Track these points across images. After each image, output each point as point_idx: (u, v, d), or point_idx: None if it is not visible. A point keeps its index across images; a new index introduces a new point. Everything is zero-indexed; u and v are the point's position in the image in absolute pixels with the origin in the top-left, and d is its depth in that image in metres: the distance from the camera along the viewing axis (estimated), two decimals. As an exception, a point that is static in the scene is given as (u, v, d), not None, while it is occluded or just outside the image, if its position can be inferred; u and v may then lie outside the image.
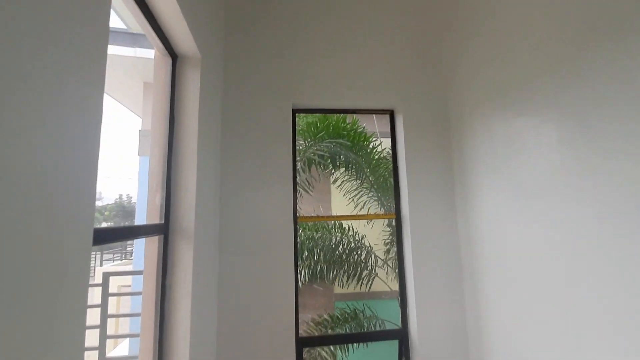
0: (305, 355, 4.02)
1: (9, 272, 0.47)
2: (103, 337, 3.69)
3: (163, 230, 1.39)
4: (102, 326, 3.68)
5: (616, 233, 1.23)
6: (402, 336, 2.25)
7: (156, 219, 1.40)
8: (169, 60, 1.55)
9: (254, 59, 2.30)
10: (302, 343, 2.11)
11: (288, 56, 2.35)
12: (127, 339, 4.94)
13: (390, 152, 2.59)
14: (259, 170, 2.19)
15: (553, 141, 1.52)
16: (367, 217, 2.54)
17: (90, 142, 0.69)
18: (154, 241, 1.40)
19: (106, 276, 3.84)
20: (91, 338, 3.76)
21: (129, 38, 4.03)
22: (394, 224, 2.68)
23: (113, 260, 10.54)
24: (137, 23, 1.33)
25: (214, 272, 1.92)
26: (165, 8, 1.25)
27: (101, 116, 0.76)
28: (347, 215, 2.57)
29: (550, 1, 1.55)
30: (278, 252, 2.11)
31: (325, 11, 2.46)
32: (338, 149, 4.70)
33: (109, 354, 3.83)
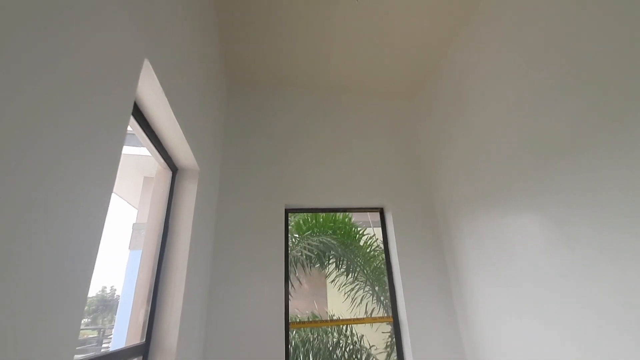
0: None
1: None
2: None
3: (143, 351, 1.29)
4: None
5: (611, 335, 1.18)
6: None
7: (137, 339, 1.31)
8: (169, 174, 1.67)
9: (249, 166, 2.48)
10: None
11: (281, 162, 2.53)
12: None
13: (383, 246, 2.59)
14: (251, 270, 2.15)
15: (539, 245, 1.56)
16: (364, 321, 2.41)
17: (89, 251, 0.71)
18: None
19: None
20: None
21: (132, 138, 4.37)
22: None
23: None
24: (141, 141, 1.46)
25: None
26: (171, 135, 1.40)
27: (103, 227, 0.78)
28: (343, 320, 2.44)
29: (517, 114, 1.77)
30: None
31: (317, 119, 2.75)
32: (327, 245, 4.68)
33: None
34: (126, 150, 4.77)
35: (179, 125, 1.33)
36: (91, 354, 0.95)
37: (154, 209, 1.59)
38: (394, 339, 2.28)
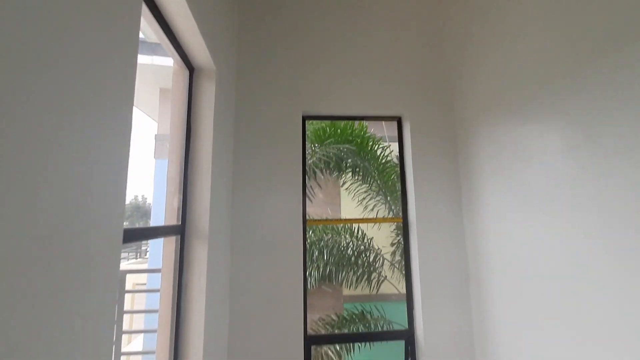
0: (312, 353, 4.07)
1: (48, 267, 0.56)
2: (119, 332, 3.85)
3: (180, 231, 1.49)
4: (118, 322, 3.84)
5: (620, 239, 1.26)
6: (408, 337, 2.30)
7: (173, 221, 1.50)
8: (187, 73, 1.66)
9: (266, 69, 2.41)
10: (310, 341, 2.19)
11: (299, 66, 2.44)
12: (142, 335, 5.10)
13: (398, 156, 2.65)
14: (270, 175, 2.28)
15: (558, 149, 1.56)
16: (375, 220, 2.61)
17: (121, 148, 0.79)
18: (172, 241, 1.51)
19: (122, 274, 4.02)
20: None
21: (147, 47, 4.22)
22: (401, 226, 2.72)
23: (128, 259, 10.84)
24: (155, 36, 1.43)
25: (227, 272, 2.02)
26: (183, 25, 1.35)
27: (131, 124, 0.85)
28: (355, 219, 2.64)
29: (552, 13, 1.59)
30: (287, 253, 2.19)
31: (336, 23, 2.55)
32: (344, 155, 4.78)
33: (123, 349, 3.98)
34: (140, 59, 4.66)
35: (192, 16, 1.28)
36: (139, 226, 1.10)
37: (175, 109, 1.64)
38: (402, 238, 2.50)
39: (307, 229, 3.01)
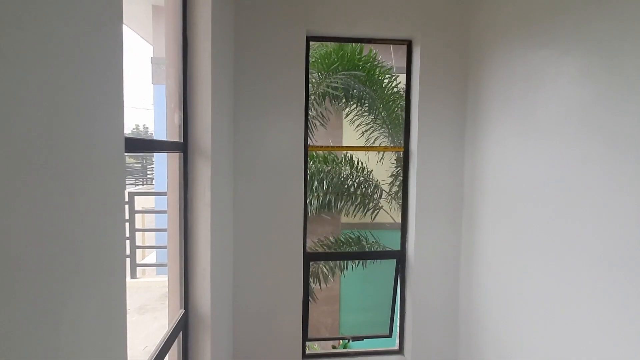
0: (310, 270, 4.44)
1: (55, 169, 0.57)
2: (133, 247, 4.17)
3: (182, 148, 1.51)
4: (132, 238, 4.14)
5: (620, 166, 1.26)
6: (400, 256, 2.48)
7: (175, 138, 1.51)
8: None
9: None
10: (309, 257, 2.37)
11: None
12: (154, 252, 5.53)
13: (405, 88, 2.55)
14: (272, 98, 2.22)
15: (573, 75, 1.49)
16: (376, 149, 2.63)
17: (113, 48, 0.75)
18: (175, 158, 1.54)
19: (131, 195, 4.20)
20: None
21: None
22: (401, 156, 2.74)
23: (135, 185, 11.24)
24: None
25: (230, 191, 2.10)
26: None
27: (121, 23, 0.80)
28: (356, 147, 2.65)
29: None
30: (289, 178, 2.25)
31: None
32: (352, 82, 4.58)
33: (139, 262, 4.36)
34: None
35: None
36: (142, 138, 1.10)
37: (169, 26, 1.52)
38: (402, 168, 2.54)
39: (308, 160, 3.03)
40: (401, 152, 2.52)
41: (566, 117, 1.52)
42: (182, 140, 1.52)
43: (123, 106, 0.82)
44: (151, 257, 5.79)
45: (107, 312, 0.73)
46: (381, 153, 5.10)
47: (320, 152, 5.06)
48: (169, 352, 1.53)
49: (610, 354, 1.27)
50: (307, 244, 2.38)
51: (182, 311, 1.51)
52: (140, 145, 1.08)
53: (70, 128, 0.60)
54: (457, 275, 2.41)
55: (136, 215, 4.27)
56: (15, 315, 0.46)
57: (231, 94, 2.11)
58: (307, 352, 2.45)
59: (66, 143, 0.59)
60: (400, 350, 2.50)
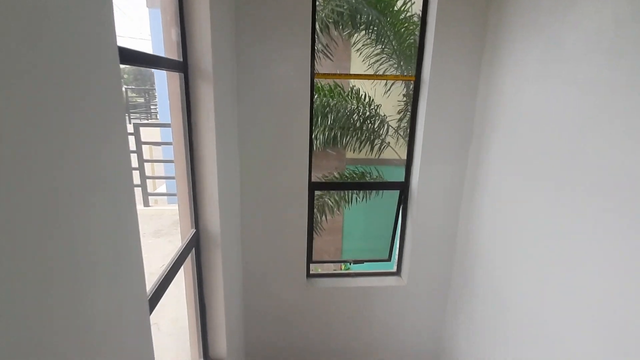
0: (314, 203, 4.60)
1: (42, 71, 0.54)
2: (143, 177, 4.28)
3: (182, 68, 1.44)
4: (141, 169, 4.23)
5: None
6: (403, 188, 2.52)
7: (174, 56, 1.43)
8: None
9: None
10: (314, 187, 2.42)
11: None
12: (164, 183, 5.71)
13: (420, 14, 2.31)
14: (276, 22, 2.05)
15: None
16: (386, 77, 2.49)
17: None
18: (175, 80, 1.47)
19: (136, 126, 4.18)
20: (134, 177, 4.37)
21: None
22: (411, 90, 2.62)
23: (140, 119, 11.21)
24: None
25: (234, 119, 2.06)
26: None
27: None
28: (364, 75, 2.52)
29: None
30: (295, 105, 2.18)
31: None
32: (360, 6, 4.18)
33: (150, 191, 4.53)
34: None
35: None
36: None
37: None
38: (411, 102, 2.44)
39: (314, 94, 2.89)
40: (411, 86, 2.40)
41: (595, 37, 1.39)
42: (182, 60, 1.44)
43: (112, 10, 0.75)
44: (162, 188, 6.00)
45: (122, 232, 0.75)
46: (389, 86, 4.89)
47: (327, 85, 4.86)
48: (185, 267, 1.67)
49: (607, 286, 1.33)
50: (312, 180, 2.41)
51: (193, 230, 1.59)
52: (137, 57, 1.02)
53: (54, 30, 0.55)
54: (458, 208, 2.47)
55: (144, 148, 4.30)
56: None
57: (232, 16, 1.94)
58: (311, 272, 2.65)
59: (52, 47, 0.54)
60: (397, 272, 2.69)
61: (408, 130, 2.51)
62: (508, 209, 1.94)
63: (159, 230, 3.57)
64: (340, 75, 3.99)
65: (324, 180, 4.53)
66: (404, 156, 2.54)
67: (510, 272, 1.89)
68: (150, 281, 1.18)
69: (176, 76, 1.48)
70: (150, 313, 1.03)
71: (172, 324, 2.28)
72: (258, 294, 2.51)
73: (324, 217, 4.79)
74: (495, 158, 2.07)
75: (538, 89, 1.72)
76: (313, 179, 2.44)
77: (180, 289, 1.76)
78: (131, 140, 4.26)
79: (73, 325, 0.56)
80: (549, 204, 1.61)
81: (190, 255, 1.60)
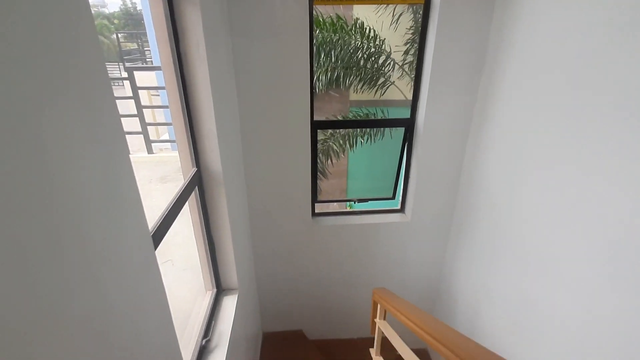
0: (319, 146, 4.55)
1: None
2: (144, 124, 4.21)
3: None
4: (140, 115, 4.14)
5: None
6: (409, 125, 2.44)
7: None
8: None
9: None
10: (316, 125, 2.35)
11: None
12: (167, 131, 5.64)
13: None
14: None
15: None
16: (393, 0, 2.25)
17: None
18: (159, 4, 1.34)
19: (130, 71, 4.00)
20: (134, 124, 4.31)
21: None
22: (419, 18, 2.38)
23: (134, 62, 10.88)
24: None
25: (228, 51, 1.93)
26: None
27: None
28: (368, -1, 2.26)
29: None
30: (294, 36, 2.02)
31: None
32: None
33: (152, 138, 4.49)
34: None
35: None
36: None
37: None
38: (420, 26, 2.23)
39: (315, 27, 2.65)
40: (420, 13, 2.17)
41: None
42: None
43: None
44: (166, 136, 5.96)
45: (115, 170, 0.71)
46: (396, 16, 4.51)
47: (328, 19, 4.49)
48: (191, 207, 1.69)
49: (617, 221, 1.31)
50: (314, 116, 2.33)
51: (194, 169, 1.58)
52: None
53: None
54: (464, 143, 2.40)
55: (146, 98, 4.16)
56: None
57: None
58: (316, 211, 2.70)
59: None
60: (401, 209, 2.73)
61: (415, 64, 2.35)
62: (517, 144, 1.87)
63: (165, 177, 3.61)
64: (343, 1, 3.67)
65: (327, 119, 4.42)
66: (409, 96, 2.42)
67: (515, 206, 1.89)
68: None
69: (159, 1, 1.34)
70: (156, 248, 1.05)
71: (185, 260, 2.40)
72: (265, 232, 2.59)
73: (329, 160, 4.78)
74: (507, 90, 1.95)
75: (559, 13, 1.55)
76: (315, 118, 2.36)
77: (190, 228, 1.81)
78: (127, 85, 4.12)
79: (79, 256, 0.55)
80: (561, 139, 1.54)
81: (193, 193, 1.61)
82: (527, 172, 1.79)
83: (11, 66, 0.44)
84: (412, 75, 2.39)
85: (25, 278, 0.44)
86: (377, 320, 1.85)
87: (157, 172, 3.74)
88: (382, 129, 4.32)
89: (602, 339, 1.35)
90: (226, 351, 1.57)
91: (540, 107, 1.69)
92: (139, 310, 0.75)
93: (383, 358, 1.89)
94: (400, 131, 2.50)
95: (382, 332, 1.87)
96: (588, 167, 1.40)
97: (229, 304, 1.86)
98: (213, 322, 1.72)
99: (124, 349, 0.68)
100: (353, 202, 2.78)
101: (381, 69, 4.84)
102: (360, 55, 4.74)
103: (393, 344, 1.51)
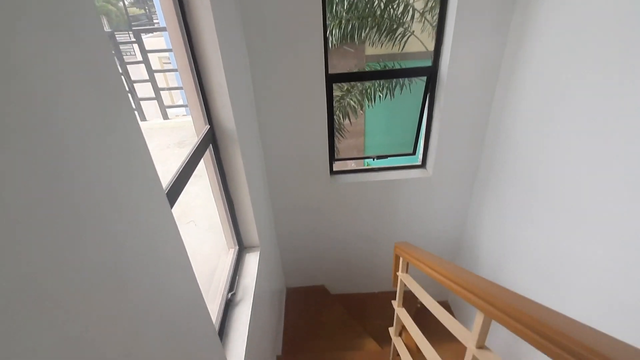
0: (335, 105, 4.40)
1: None
2: (157, 89, 4.18)
3: None
4: (152, 80, 4.09)
5: None
6: (431, 73, 2.27)
7: None
8: None
9: None
10: (332, 79, 2.23)
11: None
12: (181, 96, 5.60)
13: None
14: None
15: None
16: None
17: None
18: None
19: (137, 34, 3.89)
20: (146, 90, 4.28)
21: None
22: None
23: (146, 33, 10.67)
24: None
25: (236, 4, 1.80)
26: None
27: None
28: None
29: None
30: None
31: None
32: None
33: (167, 103, 4.47)
34: None
35: None
36: None
37: None
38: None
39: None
40: None
41: None
42: None
43: None
44: (180, 102, 5.93)
45: (123, 130, 0.66)
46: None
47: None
48: (207, 166, 1.67)
49: None
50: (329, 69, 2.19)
51: (207, 127, 1.53)
52: None
53: None
54: (492, 91, 2.22)
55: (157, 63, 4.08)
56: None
57: None
58: (334, 170, 2.65)
59: None
60: (422, 165, 2.64)
61: (438, 5, 2.12)
62: (553, 90, 1.70)
63: (182, 141, 3.61)
64: None
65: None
66: (431, 47, 2.21)
67: (547, 158, 1.76)
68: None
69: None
70: (172, 205, 1.04)
71: (207, 220, 2.46)
72: (283, 191, 2.59)
73: (346, 119, 4.63)
74: (542, 28, 1.74)
75: None
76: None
77: (209, 189, 1.81)
78: (137, 50, 4.03)
79: (91, 212, 0.53)
80: (606, 83, 1.37)
81: (208, 152, 1.58)
82: (563, 122, 1.63)
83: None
84: (434, 24, 2.17)
85: (35, 236, 0.41)
86: (399, 273, 1.85)
87: (174, 138, 3.75)
88: (401, 82, 4.07)
89: (636, 291, 1.28)
90: (251, 304, 1.62)
91: (581, 47, 1.50)
92: (158, 265, 0.75)
93: (405, 309, 1.91)
94: (420, 85, 2.34)
95: (405, 285, 1.88)
96: (634, 118, 1.25)
97: (252, 260, 1.90)
98: (237, 277, 1.77)
99: (145, 301, 0.68)
100: (372, 160, 2.70)
101: (400, 18, 4.48)
102: (376, 3, 4.39)
103: (417, 295, 1.51)
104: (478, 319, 0.95)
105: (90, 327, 0.50)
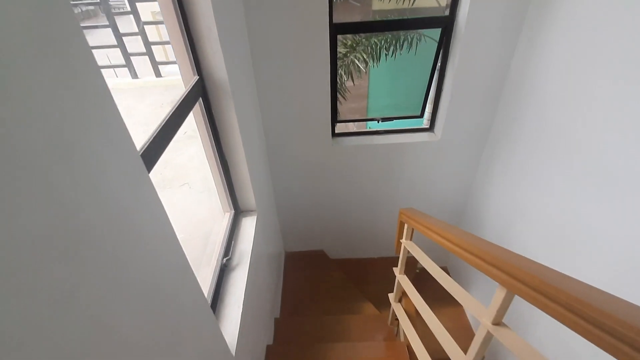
0: (338, 63, 4.14)
1: None
2: (147, 44, 3.90)
3: None
4: (143, 35, 3.80)
5: None
6: (447, 24, 2.04)
7: None
8: None
9: None
10: (337, 29, 2.01)
11: None
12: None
13: None
14: None
15: None
16: None
17: None
18: None
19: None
20: (138, 44, 4.00)
21: None
22: None
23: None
24: None
25: None
26: None
27: None
28: None
29: None
30: None
31: None
32: None
33: (159, 60, 4.20)
34: None
35: None
36: None
37: None
38: None
39: None
40: None
41: None
42: None
43: None
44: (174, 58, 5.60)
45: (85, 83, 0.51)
46: None
47: None
48: (198, 123, 1.52)
49: None
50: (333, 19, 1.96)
51: (196, 77, 1.37)
52: None
53: None
54: (514, 44, 2.00)
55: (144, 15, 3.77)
56: None
57: None
58: (336, 132, 2.50)
59: None
60: (430, 128, 2.48)
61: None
62: (587, 42, 1.50)
63: (176, 100, 3.42)
64: None
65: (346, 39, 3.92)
66: (444, 1, 1.95)
67: (575, 119, 1.60)
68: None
69: None
70: (150, 169, 0.92)
71: (202, 183, 2.35)
72: (282, 153, 2.45)
73: (349, 79, 4.37)
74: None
75: None
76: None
77: (202, 149, 1.68)
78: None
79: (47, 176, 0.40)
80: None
81: (198, 106, 1.43)
82: (594, 79, 1.46)
83: None
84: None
85: None
86: (403, 240, 1.77)
87: (168, 97, 3.55)
88: (409, 38, 3.77)
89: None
90: (247, 269, 1.55)
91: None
92: (129, 235, 0.63)
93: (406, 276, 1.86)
94: (430, 44, 2.11)
95: (407, 252, 1.81)
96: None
97: (248, 224, 1.81)
98: (233, 242, 1.69)
99: (115, 273, 0.57)
100: (376, 122, 2.54)
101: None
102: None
103: (423, 264, 1.43)
104: (499, 294, 0.86)
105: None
